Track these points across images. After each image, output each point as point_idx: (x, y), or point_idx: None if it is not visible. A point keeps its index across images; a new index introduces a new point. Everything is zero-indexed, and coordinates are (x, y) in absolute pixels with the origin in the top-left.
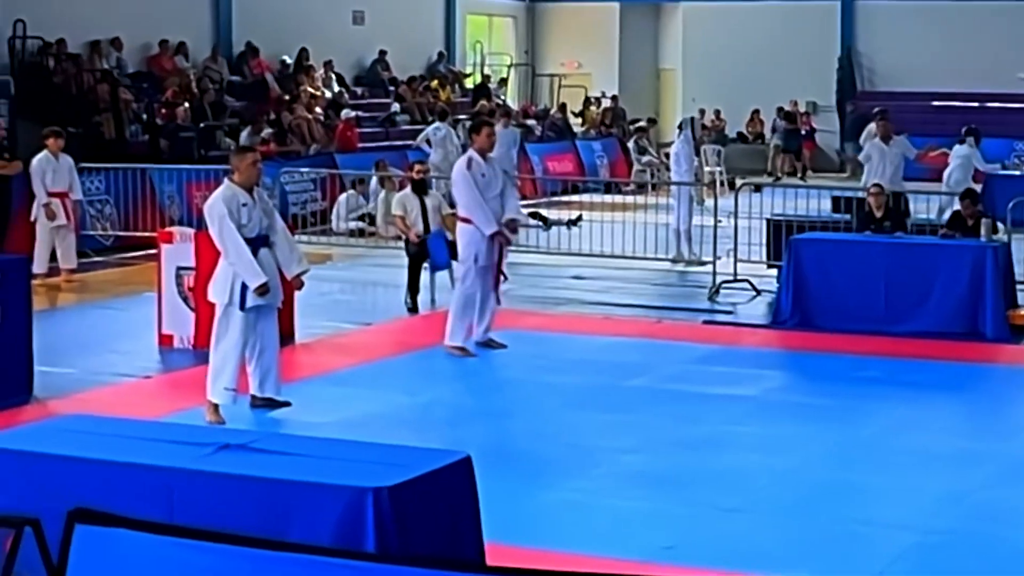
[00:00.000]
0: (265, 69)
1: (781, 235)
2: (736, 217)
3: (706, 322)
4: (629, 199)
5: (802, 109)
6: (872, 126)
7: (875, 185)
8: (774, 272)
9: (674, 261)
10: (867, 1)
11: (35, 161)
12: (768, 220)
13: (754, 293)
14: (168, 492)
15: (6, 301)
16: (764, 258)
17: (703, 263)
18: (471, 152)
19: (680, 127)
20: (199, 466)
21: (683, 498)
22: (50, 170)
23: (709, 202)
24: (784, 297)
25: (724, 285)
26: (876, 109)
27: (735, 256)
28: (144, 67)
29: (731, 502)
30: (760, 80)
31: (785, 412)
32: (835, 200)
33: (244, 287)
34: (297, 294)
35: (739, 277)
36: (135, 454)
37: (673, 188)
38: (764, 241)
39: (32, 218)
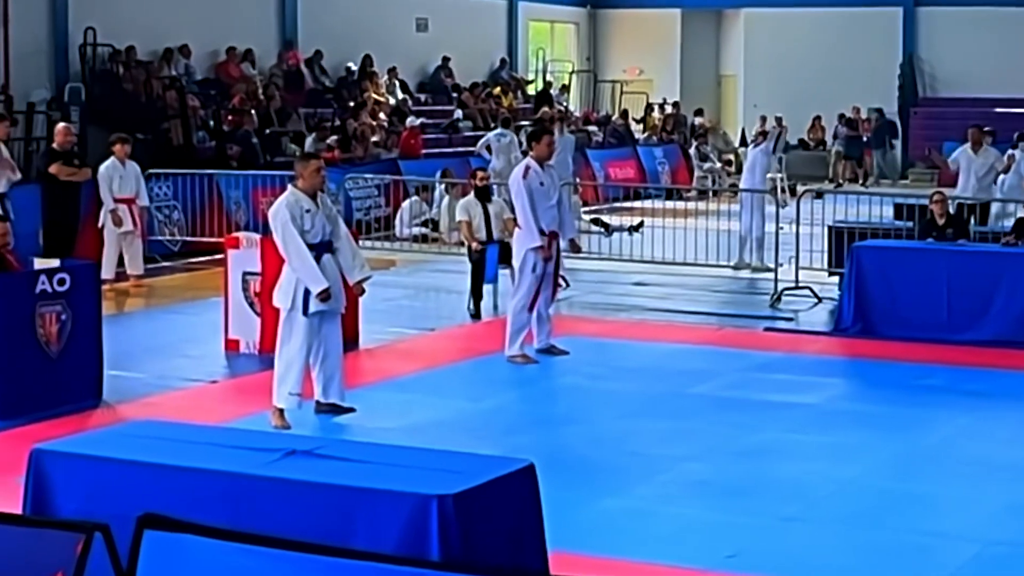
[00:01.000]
0: (299, 61)
1: (843, 242)
2: (798, 224)
3: (767, 329)
4: (691, 205)
5: (864, 116)
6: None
7: (937, 192)
8: (836, 279)
9: (736, 268)
10: (929, 7)
11: (103, 167)
12: (830, 227)
13: (816, 300)
14: (235, 498)
15: (76, 306)
16: (826, 265)
17: (769, 269)
18: (528, 160)
19: (764, 135)
20: (266, 472)
21: (745, 507)
22: (117, 176)
23: (770, 209)
24: (846, 304)
25: (786, 292)
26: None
27: (797, 263)
28: (212, 74)
29: (792, 511)
30: (821, 87)
31: (847, 420)
32: (897, 207)
33: (307, 292)
34: (361, 300)
35: (801, 284)
36: (203, 460)
37: (744, 196)
38: (826, 248)
39: (100, 224)
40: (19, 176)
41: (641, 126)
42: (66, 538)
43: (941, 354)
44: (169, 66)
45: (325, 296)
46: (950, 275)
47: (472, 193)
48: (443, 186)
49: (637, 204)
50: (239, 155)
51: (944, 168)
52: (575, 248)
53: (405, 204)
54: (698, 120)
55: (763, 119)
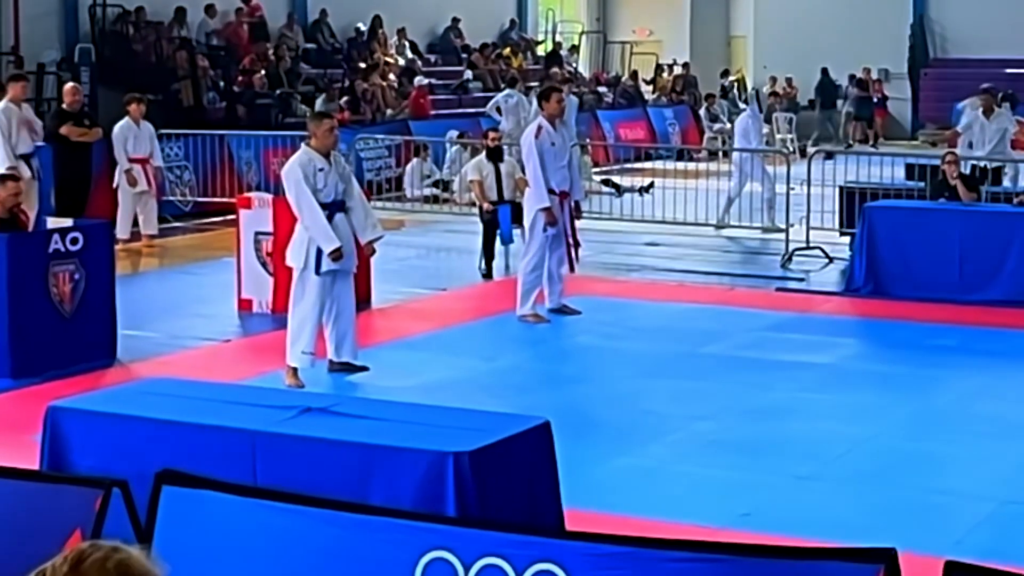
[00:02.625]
0: (254, 11)
1: (854, 203)
2: (808, 185)
3: (779, 289)
4: (701, 166)
5: (874, 76)
6: (973, 99)
7: (949, 152)
8: (847, 240)
9: (718, 227)
10: None
11: (117, 128)
12: (841, 188)
13: (827, 260)
14: (251, 455)
15: (90, 266)
16: (837, 226)
17: (780, 229)
18: (540, 119)
19: (746, 101)
20: (282, 429)
21: (758, 465)
22: (131, 136)
23: (781, 169)
24: (857, 265)
25: (797, 252)
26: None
27: (807, 224)
28: (222, 37)
29: (806, 470)
30: (831, 47)
31: (859, 380)
32: (909, 168)
33: (319, 251)
34: (374, 260)
35: (812, 244)
36: (219, 417)
37: (736, 157)
38: (837, 209)
39: (114, 184)
40: (41, 136)
41: (651, 87)
42: (85, 494)
43: (953, 314)
44: (182, 27)
45: (337, 255)
46: (962, 235)
47: (483, 153)
48: (454, 147)
49: (648, 165)
50: (246, 115)
51: (953, 139)
52: (577, 212)
53: (409, 166)
54: (729, 78)
55: (773, 79)
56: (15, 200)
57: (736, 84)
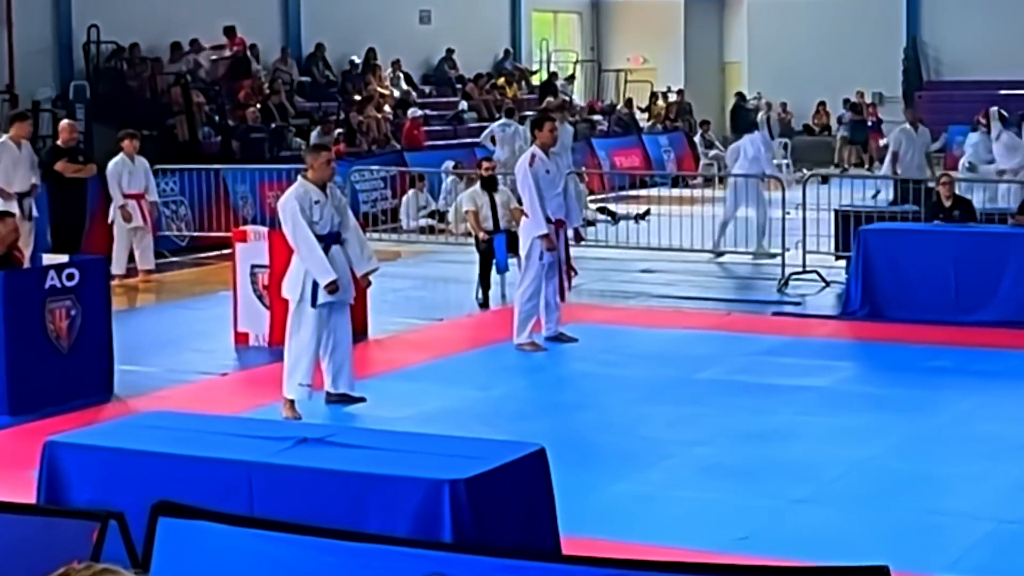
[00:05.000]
0: (243, 47)
1: (849, 226)
2: (804, 209)
3: (775, 314)
4: (696, 192)
5: (868, 100)
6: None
7: (944, 175)
8: (843, 263)
9: (716, 254)
10: None
11: (111, 164)
12: (836, 211)
13: (823, 284)
14: (248, 485)
15: (86, 302)
16: (832, 249)
17: (771, 255)
18: (534, 148)
19: (757, 126)
20: (278, 460)
21: (755, 489)
22: (126, 172)
23: (776, 194)
24: (853, 288)
25: (793, 277)
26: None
27: (804, 248)
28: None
29: (803, 493)
30: (826, 72)
31: (856, 402)
32: (903, 190)
33: (315, 284)
34: (370, 291)
35: (808, 268)
36: (215, 449)
37: (732, 181)
38: (832, 232)
39: (110, 220)
40: (37, 180)
41: (646, 115)
42: (81, 527)
43: (949, 335)
44: (177, 62)
45: (333, 288)
46: (957, 256)
47: (478, 183)
48: (450, 178)
49: (643, 192)
50: (241, 149)
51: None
52: (577, 238)
53: (405, 198)
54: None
55: (768, 105)
56: (14, 236)
57: (706, 124)
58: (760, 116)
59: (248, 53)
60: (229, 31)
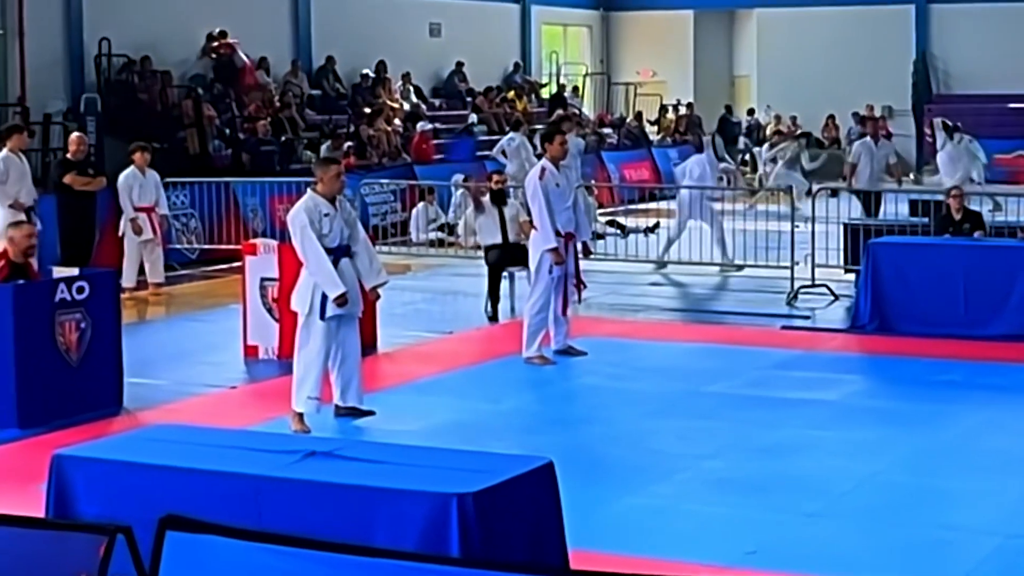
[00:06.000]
0: (229, 50)
1: (859, 239)
2: (813, 222)
3: (785, 327)
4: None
5: (877, 113)
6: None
7: (955, 187)
8: (852, 277)
9: (659, 266)
10: (941, 4)
11: (122, 176)
12: (845, 225)
13: (832, 298)
14: (256, 499)
15: (95, 314)
16: (842, 263)
17: (738, 267)
18: (544, 161)
19: (780, 134)
20: (286, 473)
21: (765, 503)
22: (137, 185)
23: (785, 208)
24: (863, 301)
25: (802, 290)
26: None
27: (813, 261)
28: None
29: (813, 507)
30: (835, 85)
31: (865, 416)
32: (912, 203)
33: (324, 297)
34: (379, 304)
35: (817, 282)
36: (223, 462)
37: (684, 196)
38: (841, 246)
39: (120, 233)
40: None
41: (655, 128)
42: (89, 540)
43: (959, 349)
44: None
45: (342, 301)
46: (967, 270)
47: (488, 196)
48: (459, 191)
49: (652, 205)
50: (251, 162)
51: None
52: (586, 252)
53: (415, 211)
54: (770, 128)
55: (777, 118)
56: (28, 243)
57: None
58: (705, 138)
59: (234, 55)
60: (222, 34)
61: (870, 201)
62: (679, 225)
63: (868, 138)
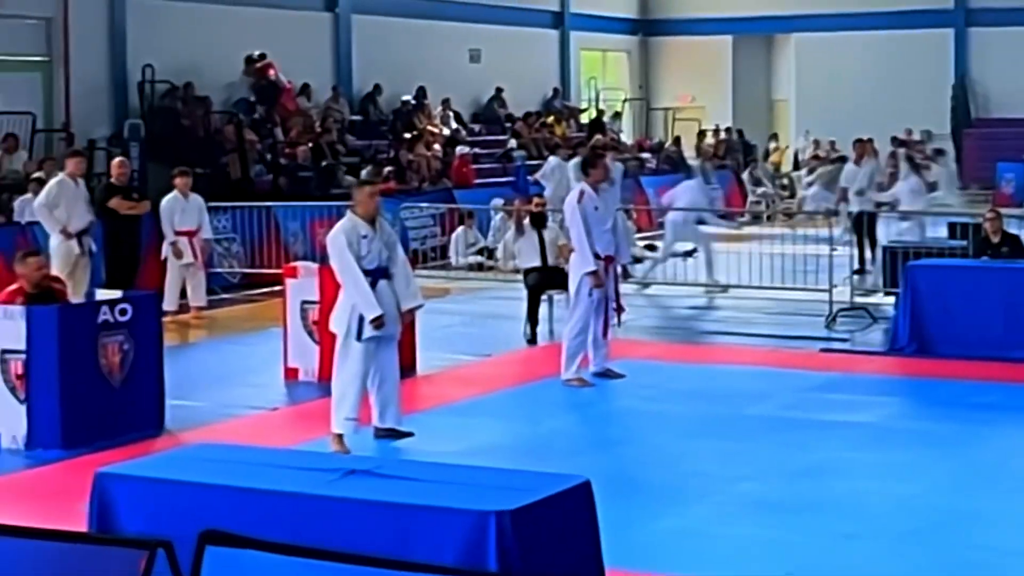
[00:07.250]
0: (269, 71)
1: (897, 262)
2: (852, 246)
3: (823, 350)
4: (744, 230)
5: (916, 137)
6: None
7: (991, 210)
8: (891, 299)
9: (644, 284)
10: (980, 28)
11: (164, 201)
12: (884, 247)
13: (871, 320)
14: (294, 517)
15: (138, 336)
16: (881, 285)
17: (724, 287)
18: (583, 185)
19: (818, 158)
20: (325, 491)
21: (802, 525)
22: (179, 209)
23: (823, 231)
24: (901, 324)
25: (841, 313)
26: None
27: (852, 284)
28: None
29: (850, 529)
30: (874, 109)
31: (904, 439)
32: (951, 226)
33: (361, 318)
34: (419, 326)
35: (856, 305)
36: (262, 480)
37: (674, 219)
38: (880, 269)
39: (162, 257)
40: (92, 216)
41: (694, 152)
42: (129, 555)
43: (997, 372)
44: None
45: (379, 323)
46: (1005, 292)
47: (527, 219)
48: (499, 215)
49: None
50: (291, 187)
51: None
52: (624, 275)
53: (454, 235)
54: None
55: (816, 143)
56: (40, 274)
57: (755, 162)
58: (696, 164)
59: (274, 77)
60: (262, 56)
61: (861, 224)
62: (665, 248)
63: (852, 162)
